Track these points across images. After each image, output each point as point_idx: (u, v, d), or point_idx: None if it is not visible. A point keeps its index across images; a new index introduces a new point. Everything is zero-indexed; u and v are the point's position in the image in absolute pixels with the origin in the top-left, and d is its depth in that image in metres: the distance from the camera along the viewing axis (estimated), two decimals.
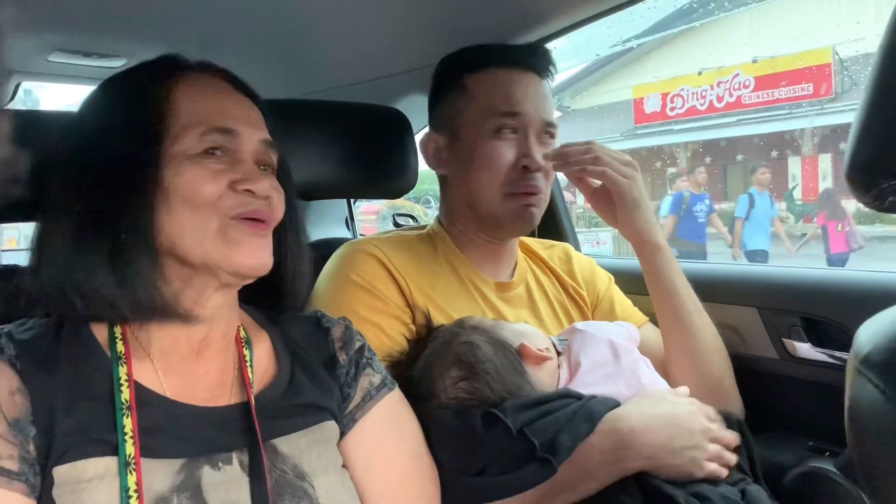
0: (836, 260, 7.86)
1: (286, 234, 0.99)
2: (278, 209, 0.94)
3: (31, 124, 1.17)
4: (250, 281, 0.93)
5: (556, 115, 1.40)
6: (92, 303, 0.84)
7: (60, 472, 0.78)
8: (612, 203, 1.34)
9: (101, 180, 0.85)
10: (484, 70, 1.35)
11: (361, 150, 1.56)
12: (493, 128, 1.31)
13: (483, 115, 1.32)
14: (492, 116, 1.31)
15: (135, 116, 0.88)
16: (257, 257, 0.90)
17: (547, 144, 1.36)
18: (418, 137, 1.60)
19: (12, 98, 2.10)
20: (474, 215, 1.36)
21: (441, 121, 1.40)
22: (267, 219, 0.91)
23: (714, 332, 1.35)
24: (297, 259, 1.01)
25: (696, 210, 8.11)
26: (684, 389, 1.18)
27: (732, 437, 1.12)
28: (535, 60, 1.38)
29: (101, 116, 0.91)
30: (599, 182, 1.34)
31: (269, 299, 1.02)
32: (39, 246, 0.88)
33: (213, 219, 0.87)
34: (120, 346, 0.86)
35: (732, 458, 1.09)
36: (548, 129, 1.35)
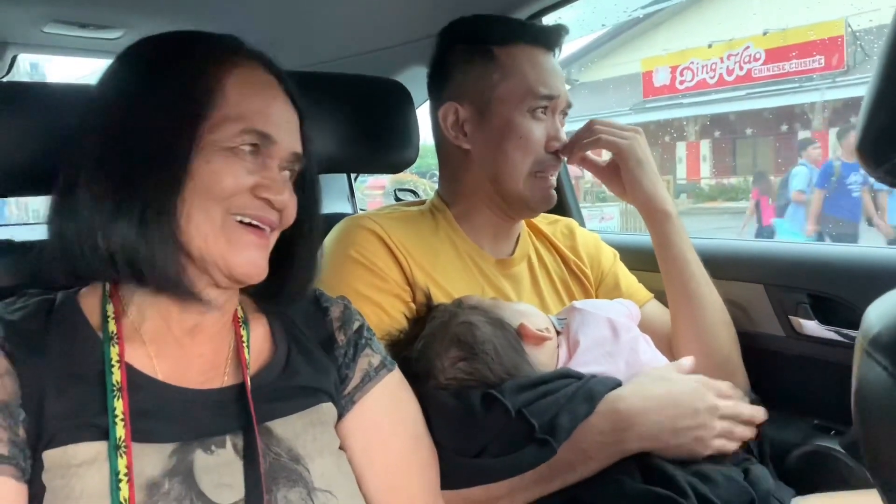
0: (767, 231, 7.88)
1: (299, 241, 0.97)
2: (288, 218, 0.92)
3: (38, 97, 1.16)
4: (241, 286, 0.92)
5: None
6: (118, 260, 0.82)
7: (50, 456, 0.77)
8: (617, 175, 1.34)
9: (136, 153, 0.83)
10: (514, 45, 1.31)
11: (362, 124, 1.53)
12: (531, 108, 1.29)
13: (521, 93, 1.29)
14: (532, 97, 1.29)
15: (181, 96, 0.85)
16: (254, 264, 0.88)
17: (562, 124, 1.36)
18: (420, 110, 1.57)
19: (9, 70, 2.08)
20: (497, 192, 1.33)
21: (465, 91, 1.33)
22: (273, 226, 0.90)
23: (722, 307, 1.33)
24: (305, 266, 0.99)
25: (850, 182, 6.68)
26: (688, 361, 1.16)
27: (752, 412, 1.10)
28: (558, 41, 1.36)
29: (145, 87, 0.87)
30: (604, 158, 1.34)
31: (271, 296, 0.99)
32: (62, 213, 0.85)
33: (218, 214, 0.85)
34: (112, 327, 0.84)
35: (746, 433, 1.08)
36: (567, 109, 1.36)
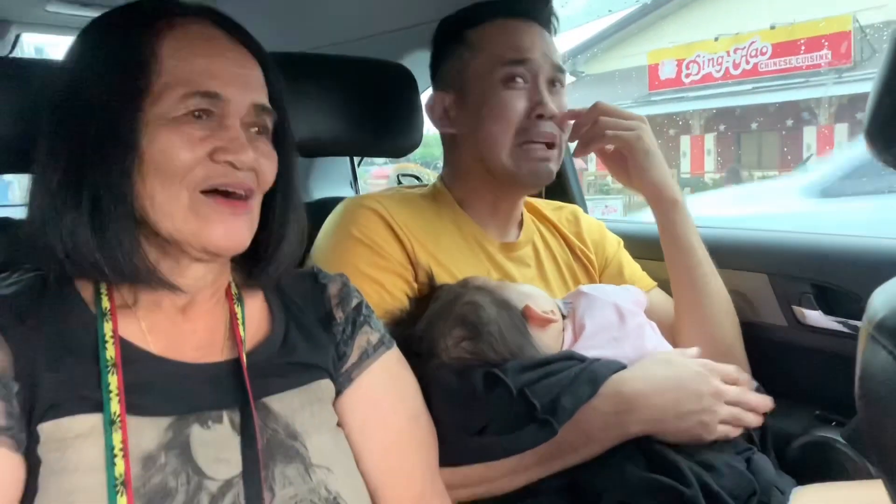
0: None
1: (274, 201, 0.93)
2: (266, 178, 0.88)
3: (27, 73, 1.14)
4: (225, 258, 0.90)
5: (569, 79, 1.36)
6: (76, 262, 0.81)
7: (45, 428, 0.76)
8: (624, 163, 1.32)
9: (79, 137, 0.80)
10: (484, 23, 1.31)
11: (366, 107, 1.52)
12: (503, 77, 1.26)
13: (491, 65, 1.27)
14: (500, 66, 1.26)
15: (114, 70, 0.81)
16: (230, 237, 0.84)
17: (557, 94, 1.31)
18: (424, 96, 1.56)
19: (12, 50, 2.07)
20: (487, 172, 1.31)
21: (446, 79, 1.35)
22: (248, 192, 0.86)
23: (727, 296, 1.33)
24: (282, 227, 0.94)
25: None
26: (694, 350, 1.15)
27: (758, 401, 1.09)
28: (538, 8, 1.34)
29: (81, 66, 0.84)
30: (611, 146, 1.32)
31: (249, 263, 0.96)
32: (31, 200, 0.84)
33: (182, 193, 0.81)
34: (105, 303, 0.83)
35: (753, 420, 1.07)
36: (557, 75, 1.31)
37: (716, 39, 13.56)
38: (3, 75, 1.11)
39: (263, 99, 0.88)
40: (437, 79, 1.39)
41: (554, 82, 1.31)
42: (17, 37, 2.03)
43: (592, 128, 1.29)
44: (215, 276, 0.91)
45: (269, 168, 0.88)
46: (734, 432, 1.06)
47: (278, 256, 0.94)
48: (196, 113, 0.82)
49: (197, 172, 0.82)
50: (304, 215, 0.98)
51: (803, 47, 12.41)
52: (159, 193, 0.81)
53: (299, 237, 0.97)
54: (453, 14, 1.38)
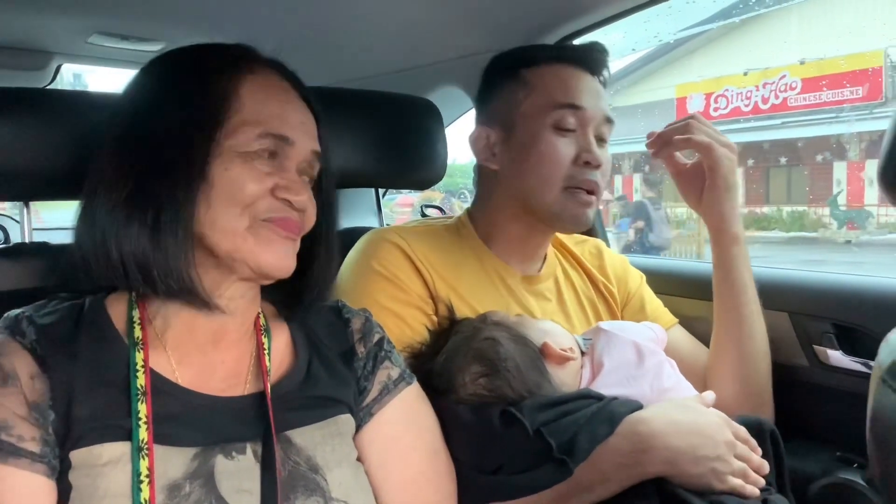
0: None
1: (318, 242, 0.99)
2: (310, 221, 0.94)
3: (77, 104, 1.20)
4: (270, 281, 0.93)
5: None
6: (129, 269, 0.84)
7: (77, 455, 0.79)
8: (698, 184, 1.31)
9: (152, 161, 0.85)
10: (543, 65, 1.31)
11: (391, 140, 1.55)
12: (554, 122, 1.26)
13: (543, 107, 1.27)
14: (553, 109, 1.26)
15: (197, 103, 0.87)
16: (283, 259, 0.90)
17: (602, 149, 1.30)
18: (449, 129, 1.59)
19: (53, 80, 2.14)
20: (524, 211, 1.31)
21: (495, 115, 1.34)
22: (296, 230, 0.92)
23: (766, 338, 1.32)
24: (324, 268, 1.00)
25: None
26: (710, 394, 1.14)
27: (760, 462, 1.07)
28: (595, 60, 1.33)
29: (162, 96, 0.90)
30: (689, 161, 1.31)
31: (291, 299, 1.01)
32: (84, 219, 0.88)
33: (244, 218, 0.87)
34: (137, 332, 0.87)
35: (758, 480, 1.05)
36: (605, 128, 1.31)
37: (745, 74, 13.53)
38: (49, 107, 1.16)
39: (318, 147, 0.96)
40: (484, 113, 1.38)
41: (600, 138, 1.30)
42: (58, 67, 2.10)
43: (683, 127, 1.28)
44: (249, 301, 0.95)
45: (311, 213, 0.94)
46: (748, 489, 1.02)
47: (320, 296, 1.01)
48: (265, 153, 0.88)
49: (259, 205, 0.88)
50: (337, 258, 1.05)
51: (833, 82, 12.35)
52: (222, 216, 0.86)
53: (337, 264, 1.05)
54: (510, 51, 1.38)
